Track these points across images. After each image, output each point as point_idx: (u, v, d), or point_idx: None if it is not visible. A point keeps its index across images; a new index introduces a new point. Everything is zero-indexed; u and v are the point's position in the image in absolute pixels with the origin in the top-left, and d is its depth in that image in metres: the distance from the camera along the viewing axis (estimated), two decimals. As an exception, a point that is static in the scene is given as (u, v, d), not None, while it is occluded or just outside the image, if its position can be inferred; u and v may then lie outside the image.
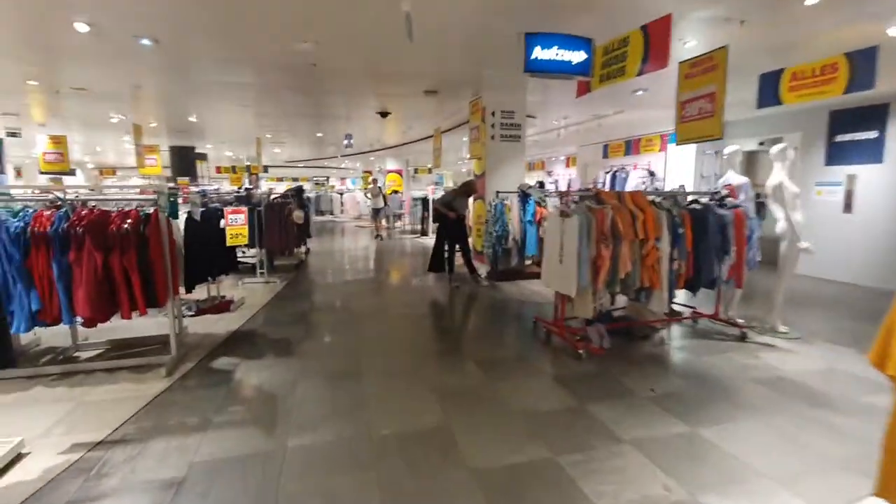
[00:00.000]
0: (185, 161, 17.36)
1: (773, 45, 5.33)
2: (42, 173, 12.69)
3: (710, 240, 4.30)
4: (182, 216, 4.58)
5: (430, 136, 13.76)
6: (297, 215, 6.94)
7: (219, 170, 25.96)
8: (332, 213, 22.02)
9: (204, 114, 10.40)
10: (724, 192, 4.78)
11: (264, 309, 5.64)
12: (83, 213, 3.50)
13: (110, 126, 11.57)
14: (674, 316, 5.04)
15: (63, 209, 3.53)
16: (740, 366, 3.86)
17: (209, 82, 7.42)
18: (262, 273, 7.06)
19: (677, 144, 4.72)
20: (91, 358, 4.00)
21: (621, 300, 5.01)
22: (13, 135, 10.11)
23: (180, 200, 5.66)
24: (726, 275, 4.47)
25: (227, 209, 5.43)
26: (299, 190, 8.54)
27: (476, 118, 7.48)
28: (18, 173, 20.69)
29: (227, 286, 6.50)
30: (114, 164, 24.59)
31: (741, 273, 4.54)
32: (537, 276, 7.39)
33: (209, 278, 5.40)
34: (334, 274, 8.01)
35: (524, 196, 7.34)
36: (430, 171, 27.13)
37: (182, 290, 4.30)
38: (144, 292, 3.55)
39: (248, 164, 25.87)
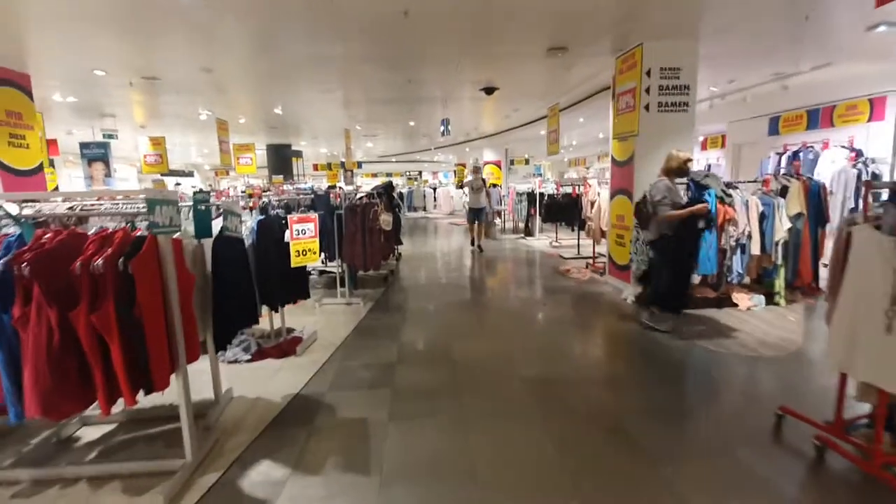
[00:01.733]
0: (280, 159, 17.14)
1: None
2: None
3: None
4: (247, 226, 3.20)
5: (536, 120, 11.73)
6: (385, 220, 5.41)
7: (316, 167, 26.17)
8: (424, 209, 20.83)
9: (289, 104, 9.41)
10: None
11: (340, 352, 4.15)
12: (46, 237, 2.16)
13: (203, 125, 11.16)
14: None
15: (14, 234, 2.22)
16: None
17: (287, 60, 6.17)
18: (343, 292, 5.67)
19: None
20: (87, 446, 2.73)
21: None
22: (110, 136, 9.96)
23: (249, 205, 4.39)
24: None
25: (292, 217, 4.00)
26: (388, 187, 7.05)
27: (631, 77, 5.29)
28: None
29: (302, 309, 5.18)
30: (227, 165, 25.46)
31: None
32: (712, 303, 5.15)
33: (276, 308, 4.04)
34: (432, 292, 6.41)
35: (697, 189, 5.13)
36: (526, 161, 24.93)
37: (210, 348, 2.88)
38: (130, 371, 2.12)
39: (343, 160, 25.89)
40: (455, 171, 28.47)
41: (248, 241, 3.82)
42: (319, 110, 10.26)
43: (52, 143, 11.39)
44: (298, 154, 17.65)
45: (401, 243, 7.63)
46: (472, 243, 9.66)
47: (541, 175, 24.48)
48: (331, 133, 14.64)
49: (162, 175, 26.13)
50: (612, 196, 6.22)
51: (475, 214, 9.50)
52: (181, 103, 8.90)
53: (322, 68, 6.66)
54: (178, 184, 24.79)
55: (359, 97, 8.92)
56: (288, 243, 4.00)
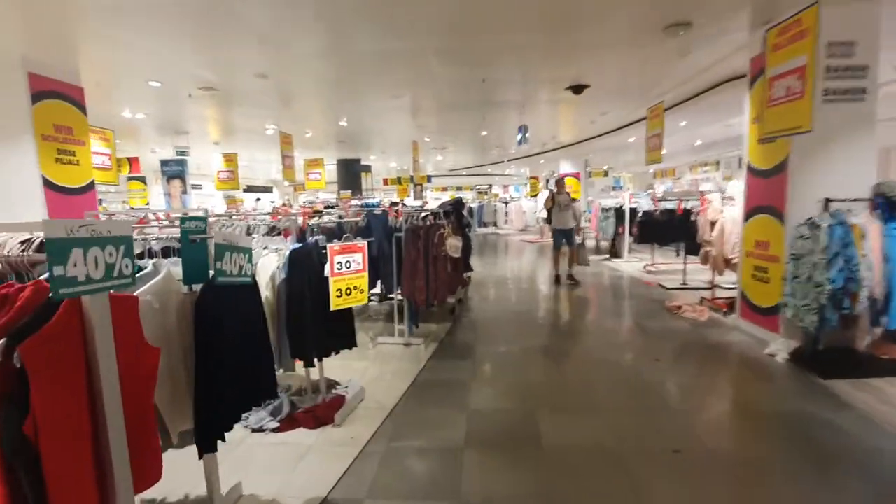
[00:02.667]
0: (350, 174, 16.95)
1: None
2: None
3: None
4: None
5: (627, 125, 10.18)
6: (453, 245, 4.41)
7: (386, 182, 26.11)
8: (494, 225, 19.74)
9: (355, 114, 8.84)
10: None
11: (390, 424, 3.16)
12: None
13: (273, 140, 10.97)
14: None
15: None
16: None
17: (352, 61, 5.46)
18: (402, 330, 4.73)
19: None
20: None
21: None
22: (182, 153, 9.99)
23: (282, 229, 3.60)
24: None
25: (333, 246, 3.11)
26: (457, 204, 6.07)
27: (797, 52, 3.78)
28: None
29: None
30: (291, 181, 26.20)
31: None
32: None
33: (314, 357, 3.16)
34: (506, 331, 5.30)
35: (891, 209, 3.64)
36: (605, 173, 23.04)
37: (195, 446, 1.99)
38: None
39: (412, 174, 25.57)
40: (527, 184, 27.21)
41: (279, 278, 2.98)
42: (387, 121, 9.62)
43: (134, 161, 11.80)
44: (367, 169, 17.38)
45: (471, 270, 6.58)
46: (558, 280, 7.54)
47: (621, 187, 22.48)
48: (400, 146, 14.10)
49: (243, 191, 27.31)
50: (747, 215, 4.76)
51: (563, 237, 7.46)
52: (247, 117, 8.63)
53: (389, 67, 5.88)
54: (258, 199, 25.86)
55: (428, 103, 8.11)
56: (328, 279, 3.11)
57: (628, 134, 11.14)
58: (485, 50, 5.26)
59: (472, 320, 5.63)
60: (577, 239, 7.71)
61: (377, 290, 5.48)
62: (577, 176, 17.65)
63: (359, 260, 3.23)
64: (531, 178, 23.73)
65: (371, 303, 6.13)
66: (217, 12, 4.08)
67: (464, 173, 26.04)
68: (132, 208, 16.12)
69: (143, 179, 14.54)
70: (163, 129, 9.44)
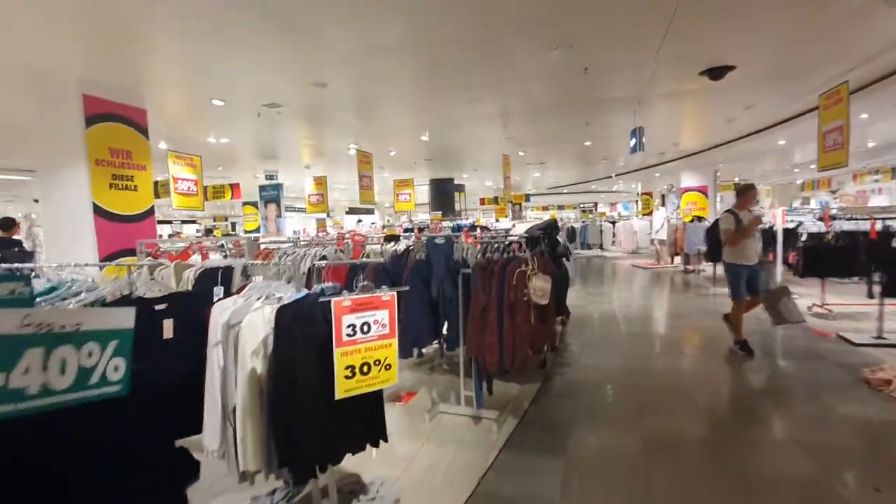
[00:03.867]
0: (442, 194, 16.32)
1: None
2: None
3: None
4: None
5: (777, 124, 7.84)
6: (539, 289, 3.13)
7: (483, 201, 25.26)
8: (600, 247, 17.67)
9: (437, 126, 7.98)
10: None
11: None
12: None
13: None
14: None
15: None
16: None
17: (426, 58, 4.55)
18: (469, 396, 3.53)
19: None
20: None
21: None
22: (270, 177, 9.97)
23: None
24: None
25: (340, 301, 2.04)
26: (550, 228, 4.74)
27: None
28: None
29: (405, 412, 3.21)
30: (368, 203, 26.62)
31: None
32: None
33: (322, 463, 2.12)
34: (621, 403, 3.83)
35: None
36: (734, 187, 19.64)
37: None
38: None
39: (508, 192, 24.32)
40: (638, 201, 24.44)
41: (268, 349, 2.01)
42: (474, 133, 8.63)
43: (235, 187, 12.24)
44: (461, 188, 16.62)
45: (566, 314, 5.13)
46: (745, 347, 4.65)
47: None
48: (493, 163, 13.02)
49: (345, 213, 28.21)
50: None
51: (747, 278, 4.63)
52: (326, 136, 8.23)
53: (471, 63, 4.86)
54: (359, 221, 26.62)
55: (518, 107, 6.91)
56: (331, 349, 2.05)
57: (779, 134, 8.83)
58: (586, 22, 3.98)
59: (568, 381, 4.22)
60: (765, 277, 4.83)
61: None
62: (703, 191, 15.07)
63: (384, 320, 2.14)
64: (643, 194, 21.19)
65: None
66: (279, 20, 3.44)
67: (565, 191, 24.23)
68: (247, 232, 17.17)
69: (255, 204, 15.32)
70: (253, 154, 9.51)
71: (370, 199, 8.22)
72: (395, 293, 2.18)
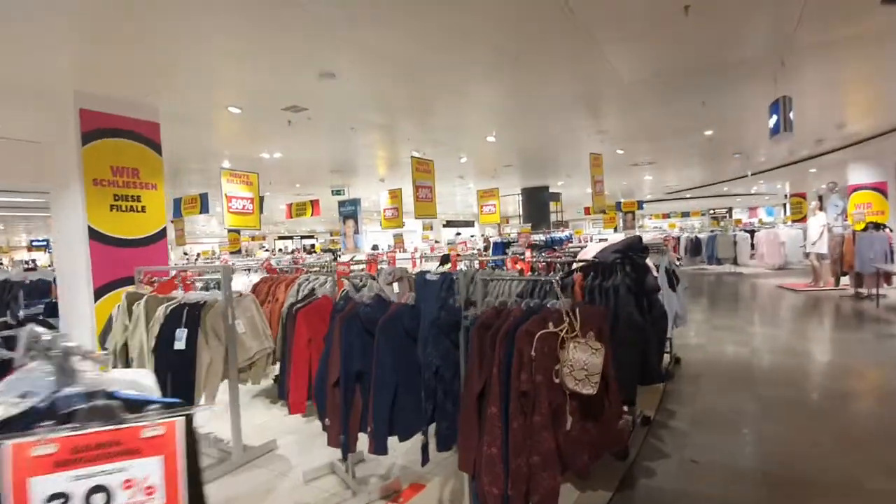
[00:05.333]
0: (534, 204, 14.75)
1: None
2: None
3: None
4: None
5: None
6: (580, 362, 1.73)
7: (588, 211, 22.98)
8: (733, 262, 14.52)
9: (505, 125, 6.71)
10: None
11: None
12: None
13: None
14: None
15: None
16: None
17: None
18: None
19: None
20: None
21: None
22: (338, 192, 9.50)
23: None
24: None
25: (30, 447, 0.95)
26: (631, 251, 3.13)
27: None
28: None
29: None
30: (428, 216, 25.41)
31: None
32: None
33: None
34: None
35: None
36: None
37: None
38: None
39: (621, 199, 21.57)
40: (786, 205, 20.09)
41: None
42: (551, 131, 7.15)
43: (315, 203, 12.15)
44: (556, 197, 14.88)
45: (632, 400, 3.21)
46: None
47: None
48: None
49: (443, 226, 27.71)
50: None
51: None
52: (384, 145, 7.43)
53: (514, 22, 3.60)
54: (457, 234, 25.96)
55: (599, 84, 5.31)
56: None
57: None
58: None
59: (659, 495, 2.62)
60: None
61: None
62: (881, 188, 11.48)
63: (152, 479, 1.00)
64: (793, 196, 17.27)
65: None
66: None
67: (688, 195, 20.91)
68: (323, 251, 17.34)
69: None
70: (315, 169, 9.09)
71: (431, 213, 7.19)
72: (180, 419, 1.03)
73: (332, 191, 9.85)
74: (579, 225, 29.84)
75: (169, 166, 8.24)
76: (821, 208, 9.82)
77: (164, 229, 4.61)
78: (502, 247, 11.34)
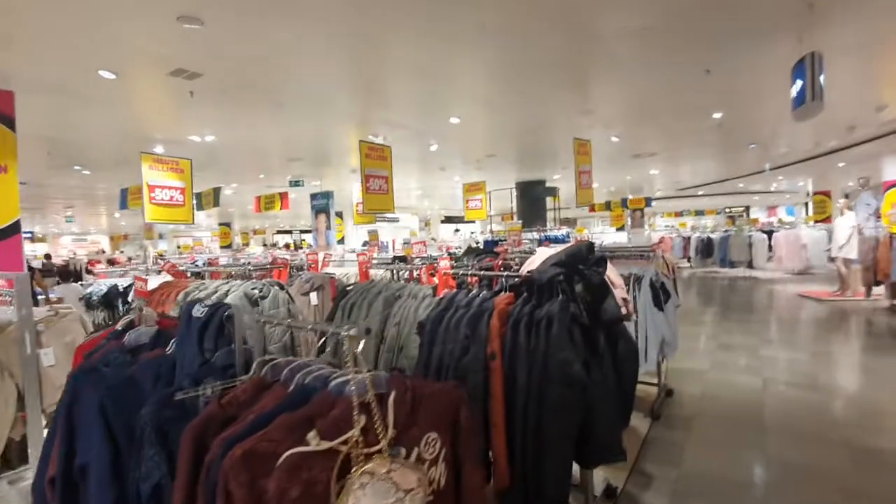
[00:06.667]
0: (528, 199, 13.62)
1: None
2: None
3: None
4: None
5: None
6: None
7: (593, 208, 21.70)
8: (749, 265, 13.27)
9: (467, 106, 5.67)
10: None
11: None
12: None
13: (426, 161, 8.72)
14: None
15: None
16: None
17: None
18: None
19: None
20: None
21: None
22: (296, 184, 8.54)
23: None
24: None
25: None
26: (576, 262, 2.09)
27: None
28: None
29: None
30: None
31: None
32: None
33: None
34: None
35: None
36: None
37: None
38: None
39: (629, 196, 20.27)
40: (809, 203, 18.61)
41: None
42: (526, 111, 6.08)
43: (284, 196, 11.22)
44: (553, 191, 13.70)
45: (619, 457, 2.14)
46: None
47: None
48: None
49: (441, 222, 26.64)
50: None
51: None
52: (324, 128, 6.42)
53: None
54: (456, 230, 24.90)
55: (577, 32, 4.25)
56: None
57: None
58: None
59: None
60: None
61: None
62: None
63: None
64: (816, 193, 15.91)
65: None
66: None
67: (700, 192, 19.58)
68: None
69: (340, 215, 14.40)
70: (267, 156, 8.11)
71: (386, 207, 6.17)
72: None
73: (290, 182, 8.88)
74: (586, 223, 28.53)
75: (100, 151, 7.34)
76: (849, 207, 8.60)
77: (17, 222, 3.69)
78: (492, 245, 10.32)
